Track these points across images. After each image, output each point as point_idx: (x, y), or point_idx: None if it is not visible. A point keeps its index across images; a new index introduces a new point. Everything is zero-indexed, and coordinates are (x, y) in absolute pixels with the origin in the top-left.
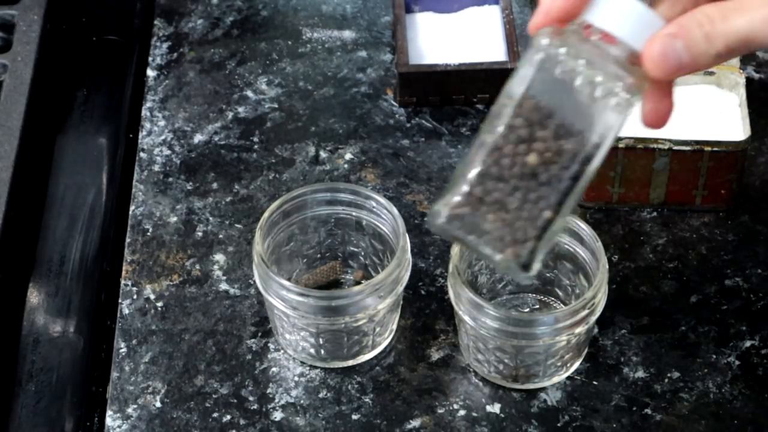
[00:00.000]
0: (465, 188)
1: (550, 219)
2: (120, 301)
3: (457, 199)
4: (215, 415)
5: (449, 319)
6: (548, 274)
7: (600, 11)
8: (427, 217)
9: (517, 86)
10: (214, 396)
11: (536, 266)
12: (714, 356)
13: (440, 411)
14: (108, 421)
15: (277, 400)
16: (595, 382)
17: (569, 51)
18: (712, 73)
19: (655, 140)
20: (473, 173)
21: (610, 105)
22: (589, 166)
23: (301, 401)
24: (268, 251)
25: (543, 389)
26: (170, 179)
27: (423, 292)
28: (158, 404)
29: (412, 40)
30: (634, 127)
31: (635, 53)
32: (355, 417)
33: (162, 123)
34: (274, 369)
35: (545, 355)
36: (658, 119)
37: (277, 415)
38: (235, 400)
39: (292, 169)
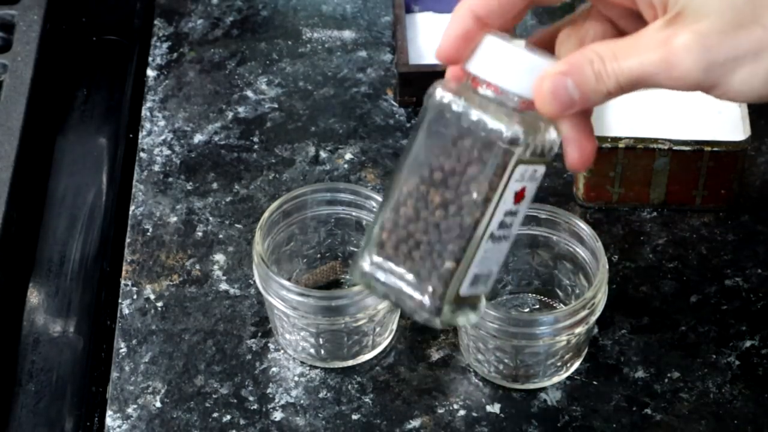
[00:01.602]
0: (377, 244)
1: (453, 269)
2: (120, 301)
3: (371, 253)
4: (215, 415)
5: None
6: (548, 274)
7: (484, 62)
8: (348, 271)
9: (413, 141)
10: (214, 396)
11: (447, 310)
12: (714, 356)
13: (440, 411)
14: (108, 421)
15: (277, 400)
16: (595, 382)
17: (460, 103)
18: None
19: (655, 140)
20: (381, 229)
21: (501, 151)
22: (487, 213)
23: (301, 401)
24: (268, 251)
25: (543, 389)
26: (170, 179)
27: None
28: (158, 404)
29: (412, 40)
30: (633, 126)
31: (526, 99)
32: (355, 417)
33: (162, 123)
34: (274, 369)
35: (545, 355)
36: (582, 161)
37: (277, 415)
38: (235, 400)
39: (292, 169)
